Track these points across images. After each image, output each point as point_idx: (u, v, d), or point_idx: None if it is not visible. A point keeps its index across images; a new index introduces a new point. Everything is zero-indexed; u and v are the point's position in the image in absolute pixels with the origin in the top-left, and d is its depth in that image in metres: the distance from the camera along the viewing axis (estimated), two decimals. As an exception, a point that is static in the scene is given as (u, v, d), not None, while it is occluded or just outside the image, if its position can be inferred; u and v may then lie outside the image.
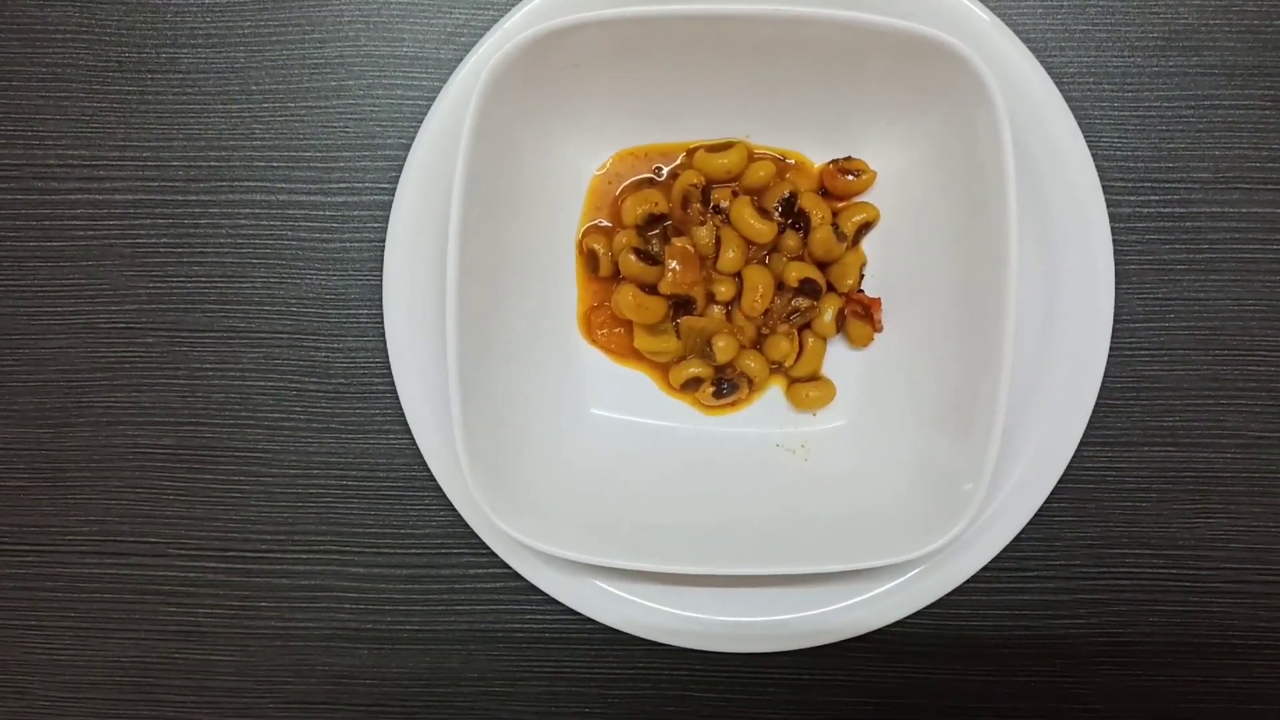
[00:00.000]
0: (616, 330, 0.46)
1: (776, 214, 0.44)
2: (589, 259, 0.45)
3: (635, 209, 0.45)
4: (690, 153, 0.45)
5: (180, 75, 0.47)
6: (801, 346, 0.45)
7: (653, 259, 0.44)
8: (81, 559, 0.49)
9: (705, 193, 0.45)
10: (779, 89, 0.43)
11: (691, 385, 0.45)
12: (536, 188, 0.44)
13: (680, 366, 0.46)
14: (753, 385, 0.46)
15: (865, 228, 0.45)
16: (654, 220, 0.45)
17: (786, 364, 0.46)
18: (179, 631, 0.49)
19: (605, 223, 0.46)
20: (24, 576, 0.50)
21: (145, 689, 0.50)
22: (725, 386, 0.45)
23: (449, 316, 0.39)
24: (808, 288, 0.44)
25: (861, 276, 0.46)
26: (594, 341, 0.46)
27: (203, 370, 0.48)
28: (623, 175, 0.46)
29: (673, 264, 0.44)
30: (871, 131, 0.44)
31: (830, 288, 0.45)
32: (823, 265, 0.45)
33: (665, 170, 0.46)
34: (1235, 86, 0.46)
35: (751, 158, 0.45)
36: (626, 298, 0.44)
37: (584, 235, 0.46)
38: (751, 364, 0.45)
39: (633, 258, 0.44)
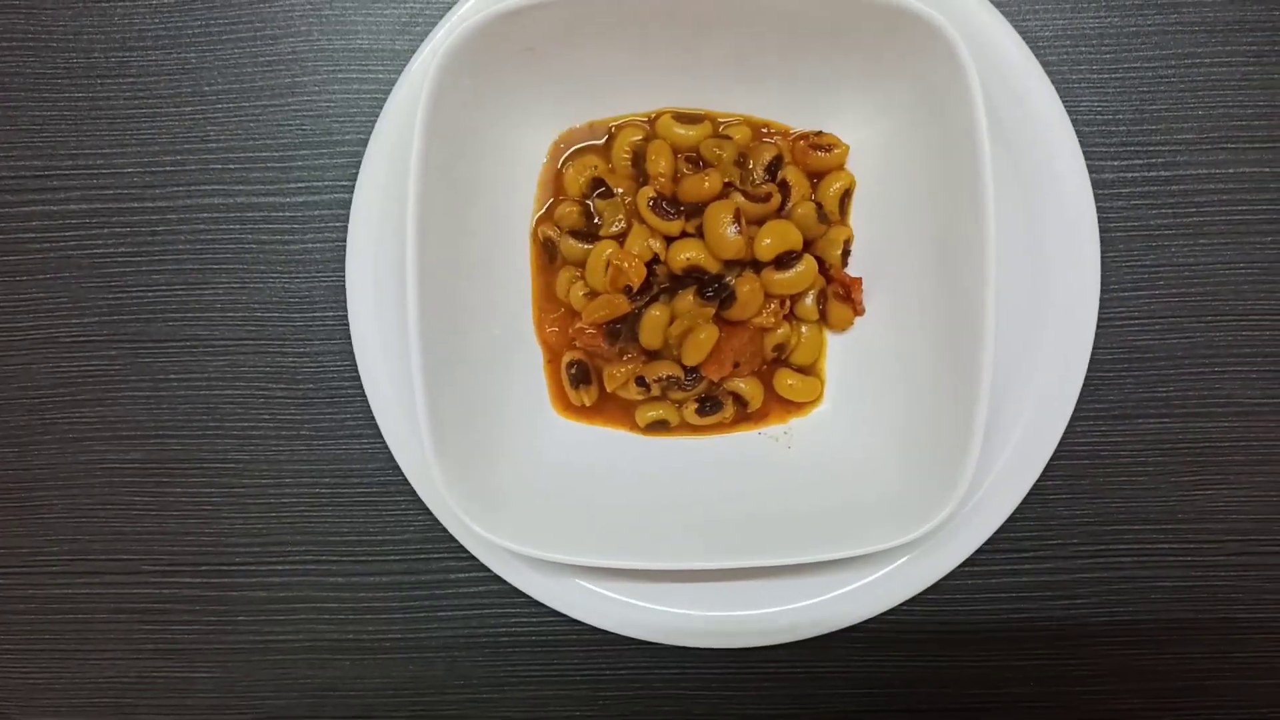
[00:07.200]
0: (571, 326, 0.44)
1: (763, 178, 0.42)
2: (544, 247, 0.44)
3: (576, 179, 0.43)
4: (654, 119, 0.43)
5: (131, 79, 0.46)
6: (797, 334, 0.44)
7: (595, 237, 0.42)
8: (53, 580, 0.48)
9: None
10: (743, 62, 0.42)
11: (658, 427, 0.44)
12: (499, 177, 0.43)
13: (644, 407, 0.44)
14: (747, 408, 0.44)
15: (845, 197, 0.43)
16: (598, 186, 0.43)
17: (787, 351, 0.44)
18: (156, 650, 0.48)
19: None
20: (-5, 600, 0.49)
21: (124, 709, 0.49)
22: (708, 405, 0.44)
23: (410, 317, 0.38)
24: (786, 260, 0.42)
25: (847, 252, 0.44)
26: (543, 340, 0.44)
27: (167, 381, 0.47)
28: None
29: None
30: (843, 103, 0.43)
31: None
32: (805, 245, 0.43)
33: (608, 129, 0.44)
34: (1216, 43, 0.44)
35: (716, 131, 0.43)
36: (566, 284, 0.43)
37: (537, 223, 0.44)
38: (744, 387, 0.44)
39: (572, 241, 0.42)
